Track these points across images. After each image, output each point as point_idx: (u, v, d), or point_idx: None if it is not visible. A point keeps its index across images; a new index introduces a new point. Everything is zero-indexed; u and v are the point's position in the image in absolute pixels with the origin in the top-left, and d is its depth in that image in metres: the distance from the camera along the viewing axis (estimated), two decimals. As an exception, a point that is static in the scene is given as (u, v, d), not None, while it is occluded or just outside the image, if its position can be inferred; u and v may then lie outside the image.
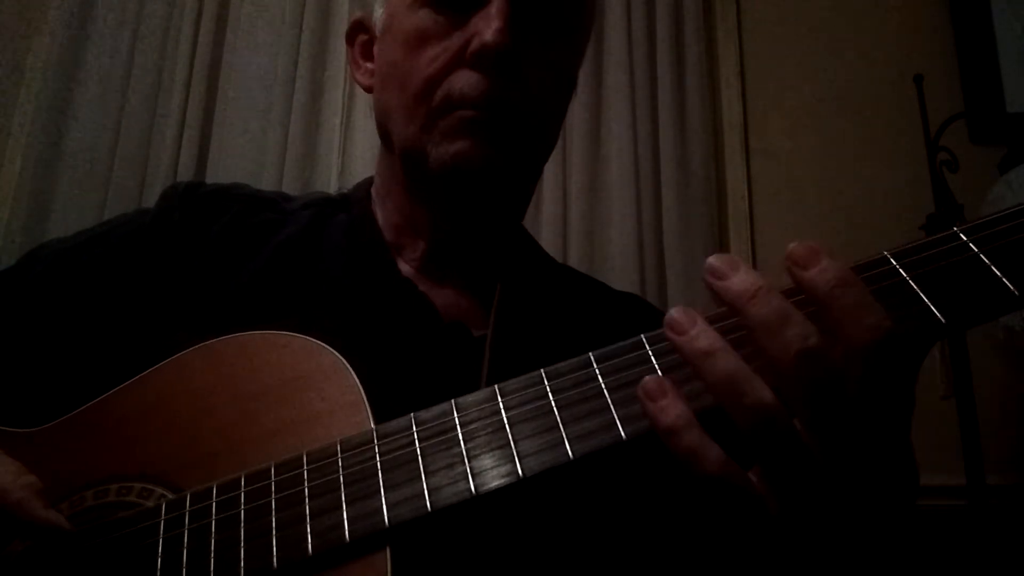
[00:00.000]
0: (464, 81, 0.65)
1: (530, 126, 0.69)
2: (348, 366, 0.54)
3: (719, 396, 0.41)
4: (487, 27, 0.64)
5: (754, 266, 1.83)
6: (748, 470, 0.42)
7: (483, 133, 0.65)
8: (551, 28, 0.69)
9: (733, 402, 0.40)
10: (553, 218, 1.85)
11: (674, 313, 0.43)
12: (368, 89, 0.77)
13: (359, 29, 0.79)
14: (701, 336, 0.42)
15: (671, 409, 0.42)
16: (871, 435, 0.40)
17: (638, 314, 0.79)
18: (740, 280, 0.42)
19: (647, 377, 0.44)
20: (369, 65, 0.78)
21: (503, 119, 0.66)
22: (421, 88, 0.67)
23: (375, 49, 0.77)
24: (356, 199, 0.79)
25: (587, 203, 1.87)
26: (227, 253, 0.70)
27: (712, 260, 0.43)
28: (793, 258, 0.42)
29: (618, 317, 0.76)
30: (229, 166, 1.91)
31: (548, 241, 1.80)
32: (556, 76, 0.72)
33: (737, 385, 0.40)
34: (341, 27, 2.02)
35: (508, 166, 0.68)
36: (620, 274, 1.78)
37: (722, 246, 1.90)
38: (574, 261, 1.79)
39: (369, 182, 0.81)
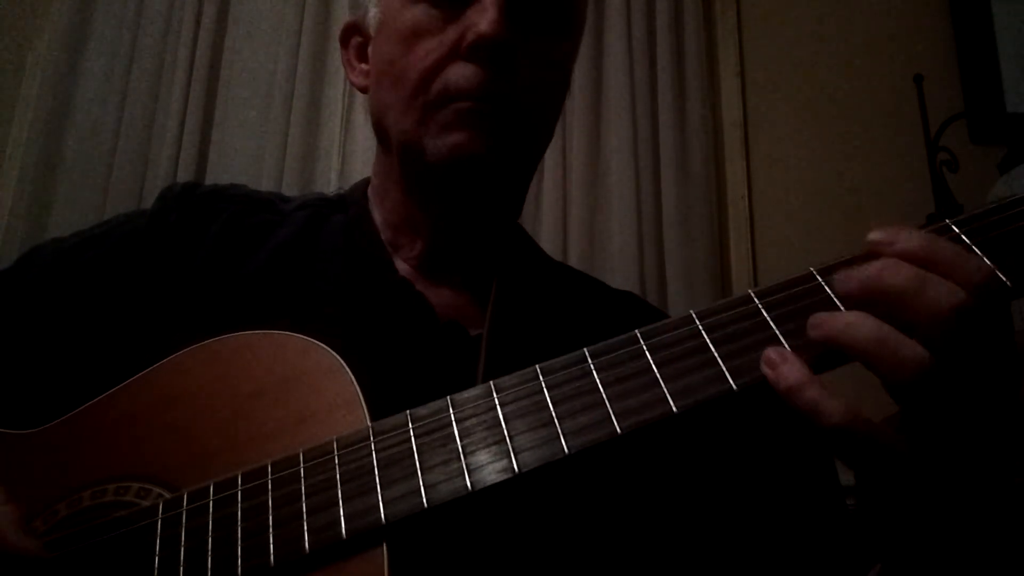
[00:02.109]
0: (460, 73, 0.65)
1: (526, 119, 0.69)
2: (344, 365, 0.54)
3: (870, 356, 0.43)
4: (482, 18, 0.64)
5: (754, 265, 1.84)
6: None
7: (480, 125, 0.65)
8: (545, 23, 0.69)
9: (886, 360, 0.42)
10: (553, 218, 1.85)
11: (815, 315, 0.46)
12: (363, 90, 0.78)
13: (352, 32, 0.80)
14: (840, 315, 0.45)
15: (791, 372, 0.44)
16: (1003, 371, 0.43)
17: (635, 312, 0.79)
18: (867, 267, 0.44)
19: (768, 349, 0.45)
20: (364, 66, 0.78)
21: (499, 111, 0.66)
22: (417, 82, 0.67)
23: (369, 49, 0.77)
24: (353, 200, 0.79)
25: (587, 202, 1.87)
26: (224, 254, 0.70)
27: (840, 275, 0.46)
28: (877, 243, 0.45)
29: (615, 315, 0.76)
30: (229, 166, 1.91)
31: (548, 241, 1.80)
32: (551, 71, 0.72)
33: (887, 343, 0.42)
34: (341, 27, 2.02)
35: (505, 158, 0.68)
36: (620, 274, 1.77)
37: (722, 246, 1.90)
38: (574, 260, 1.79)
39: (366, 183, 0.81)
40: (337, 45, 2.19)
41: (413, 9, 0.68)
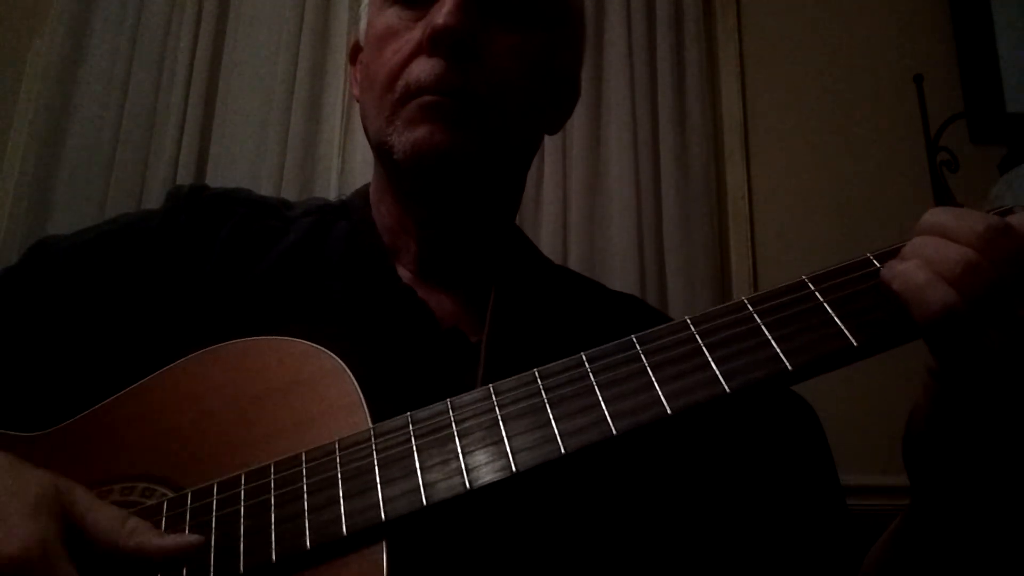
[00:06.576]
0: (420, 67, 0.66)
1: (495, 111, 0.67)
2: (347, 369, 0.55)
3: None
4: (439, 12, 0.64)
5: (754, 265, 1.84)
6: None
7: (444, 118, 0.65)
8: (511, 13, 0.68)
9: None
10: (553, 218, 1.85)
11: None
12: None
13: (358, 49, 0.81)
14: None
15: (907, 265, 0.45)
16: None
17: (636, 315, 0.79)
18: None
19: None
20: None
21: (464, 103, 0.65)
22: (385, 81, 0.68)
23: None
24: (355, 206, 0.79)
25: (587, 203, 1.87)
26: (233, 259, 0.70)
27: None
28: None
29: (616, 318, 0.76)
30: (229, 166, 1.91)
31: (548, 241, 1.80)
32: (521, 62, 0.69)
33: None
34: (341, 28, 2.02)
35: (474, 152, 0.67)
36: (620, 274, 1.78)
37: (722, 246, 1.90)
38: (574, 261, 1.79)
39: (367, 188, 0.82)
40: (337, 45, 2.19)
41: (386, 12, 0.70)
